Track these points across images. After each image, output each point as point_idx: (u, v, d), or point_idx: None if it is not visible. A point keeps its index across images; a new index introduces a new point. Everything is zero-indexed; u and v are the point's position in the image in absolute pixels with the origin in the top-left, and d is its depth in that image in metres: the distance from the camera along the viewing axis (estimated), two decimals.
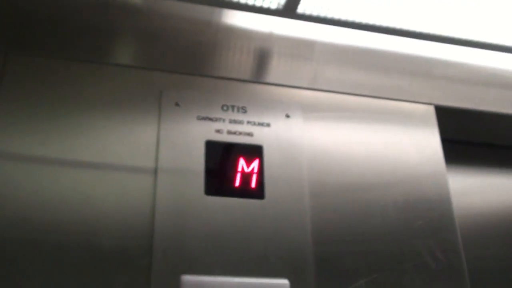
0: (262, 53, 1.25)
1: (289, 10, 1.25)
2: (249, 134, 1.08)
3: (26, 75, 1.01)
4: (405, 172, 1.16)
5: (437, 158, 1.21)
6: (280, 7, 1.24)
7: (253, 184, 1.03)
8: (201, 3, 1.24)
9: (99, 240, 0.90)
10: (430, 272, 1.07)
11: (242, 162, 1.04)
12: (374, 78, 1.29)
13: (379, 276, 1.03)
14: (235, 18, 1.28)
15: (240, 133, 1.07)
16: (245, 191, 1.02)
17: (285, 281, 0.95)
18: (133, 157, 0.99)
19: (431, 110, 1.28)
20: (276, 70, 1.22)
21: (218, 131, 1.06)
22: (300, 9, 1.25)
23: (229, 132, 1.07)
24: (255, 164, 1.05)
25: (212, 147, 1.04)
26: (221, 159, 1.04)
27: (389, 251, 1.06)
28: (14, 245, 0.86)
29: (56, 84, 1.02)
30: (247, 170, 1.04)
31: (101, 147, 0.98)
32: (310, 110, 1.16)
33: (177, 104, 1.07)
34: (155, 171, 0.98)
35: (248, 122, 1.09)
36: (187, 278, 0.90)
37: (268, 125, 1.10)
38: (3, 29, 1.06)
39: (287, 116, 1.13)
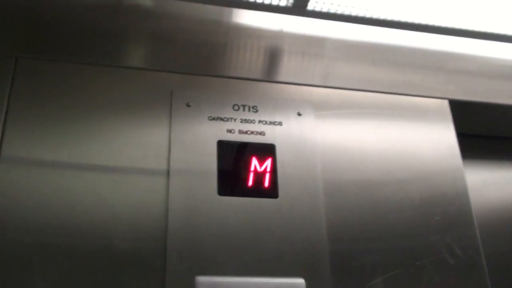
0: (272, 52, 1.24)
1: (299, 7, 1.24)
2: (261, 133, 1.07)
3: (37, 79, 1.01)
4: (421, 168, 1.15)
5: (453, 153, 1.20)
6: (290, 4, 1.23)
7: (266, 183, 1.02)
8: (211, 3, 1.23)
9: (113, 242, 0.90)
10: (449, 268, 1.05)
11: (254, 162, 1.03)
12: (386, 73, 1.28)
13: (397, 273, 1.01)
14: (245, 17, 1.27)
15: (252, 132, 1.07)
16: (258, 191, 1.01)
17: (301, 280, 0.94)
18: (145, 159, 0.99)
19: (445, 104, 1.26)
20: (287, 68, 1.21)
21: (229, 131, 1.06)
22: (310, 6, 1.24)
23: (241, 132, 1.06)
24: (268, 163, 1.04)
25: (224, 147, 1.03)
26: (233, 159, 1.03)
27: (406, 248, 1.05)
28: (29, 249, 0.86)
29: (67, 88, 1.02)
30: (260, 169, 1.03)
31: (113, 150, 0.98)
32: (321, 108, 1.15)
33: (188, 105, 1.06)
34: (168, 172, 0.98)
35: (260, 121, 1.09)
36: (202, 279, 0.90)
37: (280, 123, 1.10)
38: (13, 33, 1.07)
39: (299, 114, 1.12)
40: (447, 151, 1.19)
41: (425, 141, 1.19)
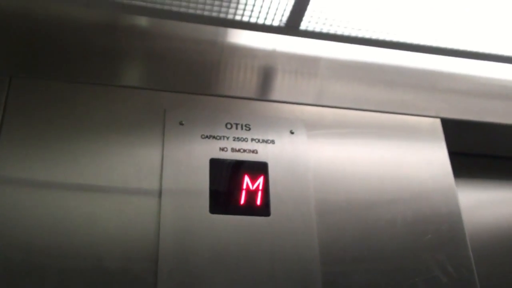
0: (265, 71, 1.25)
1: (292, 27, 1.26)
2: (254, 151, 1.08)
3: (31, 98, 1.02)
4: (413, 187, 1.15)
5: (445, 172, 1.20)
6: (283, 24, 1.25)
7: (258, 201, 1.02)
8: (205, 23, 1.24)
9: (104, 261, 0.90)
10: (442, 286, 1.05)
11: (247, 179, 1.03)
12: (379, 92, 1.29)
13: None
14: (239, 37, 1.29)
15: (245, 151, 1.07)
16: (250, 209, 1.01)
17: None
18: (138, 177, 0.99)
19: (437, 123, 1.27)
20: (280, 87, 1.22)
21: (222, 149, 1.06)
22: (303, 26, 1.26)
23: (234, 150, 1.07)
24: (260, 181, 1.04)
25: (216, 165, 1.04)
26: (226, 177, 1.03)
27: (399, 266, 1.05)
28: (20, 268, 0.86)
29: (61, 107, 1.02)
30: (252, 187, 1.03)
31: (106, 170, 0.98)
32: (314, 126, 1.16)
33: (181, 123, 1.07)
34: (160, 190, 0.98)
35: (253, 140, 1.09)
36: None
37: (272, 142, 1.10)
38: (7, 53, 1.07)
39: (291, 132, 1.12)
40: (439, 170, 1.20)
41: (418, 160, 1.19)
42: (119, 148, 1.01)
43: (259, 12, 1.22)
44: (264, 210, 1.02)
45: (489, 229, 1.40)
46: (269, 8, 1.21)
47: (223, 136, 1.08)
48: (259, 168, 1.06)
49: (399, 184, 1.14)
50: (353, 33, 1.29)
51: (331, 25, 1.26)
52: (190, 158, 1.03)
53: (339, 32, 1.29)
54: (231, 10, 1.21)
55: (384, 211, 1.10)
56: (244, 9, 1.21)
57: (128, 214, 0.95)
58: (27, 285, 0.85)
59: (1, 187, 0.91)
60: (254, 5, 1.20)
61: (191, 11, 1.20)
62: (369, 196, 1.11)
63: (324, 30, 1.28)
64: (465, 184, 1.40)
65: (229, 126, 1.10)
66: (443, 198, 1.16)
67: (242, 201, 1.01)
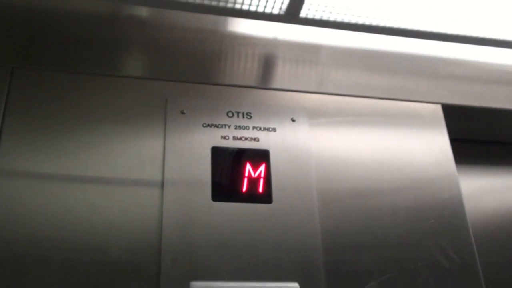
0: (266, 59, 1.25)
1: (292, 15, 1.25)
2: (255, 139, 1.08)
3: (33, 89, 1.02)
4: (415, 174, 1.15)
5: (447, 158, 1.20)
6: (282, 12, 1.25)
7: (260, 189, 1.03)
8: (206, 12, 1.24)
9: (108, 249, 0.90)
10: (444, 271, 1.05)
11: (248, 167, 1.04)
12: (380, 79, 1.29)
13: (391, 277, 1.02)
14: (239, 26, 1.28)
15: (246, 139, 1.07)
16: (252, 196, 1.02)
17: (295, 285, 0.94)
18: (140, 167, 0.99)
19: (438, 109, 1.27)
20: (281, 75, 1.22)
21: (224, 137, 1.07)
22: (303, 14, 1.25)
23: (235, 138, 1.07)
24: (262, 168, 1.05)
25: (218, 153, 1.04)
26: (227, 165, 1.04)
27: (401, 252, 1.05)
28: (23, 259, 0.87)
29: (63, 97, 1.03)
30: (254, 175, 1.04)
31: (108, 160, 0.98)
32: (315, 114, 1.16)
33: (182, 112, 1.07)
34: (162, 179, 0.99)
35: (254, 128, 1.10)
36: (196, 284, 0.90)
37: (274, 130, 1.10)
38: (9, 43, 1.08)
39: (293, 120, 1.13)
40: (440, 156, 1.20)
41: (419, 147, 1.19)
42: (121, 138, 1.01)
43: (259, 0, 1.21)
44: (266, 197, 1.02)
45: (491, 215, 1.41)
46: None
47: (225, 125, 1.08)
48: (261, 156, 1.06)
49: (401, 171, 1.15)
50: (353, 20, 1.29)
51: (331, 12, 1.26)
52: (192, 147, 1.04)
53: (339, 19, 1.29)
54: None
55: (386, 199, 1.10)
56: None
57: (130, 204, 0.95)
58: (31, 276, 0.86)
59: (4, 179, 0.92)
60: None
61: (191, 0, 1.20)
62: (371, 184, 1.11)
63: (324, 18, 1.28)
64: (466, 171, 1.40)
65: (230, 114, 1.10)
66: (445, 185, 1.16)
67: (244, 188, 1.02)
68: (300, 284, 0.95)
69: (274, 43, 1.28)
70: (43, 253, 0.88)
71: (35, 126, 0.98)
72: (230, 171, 1.03)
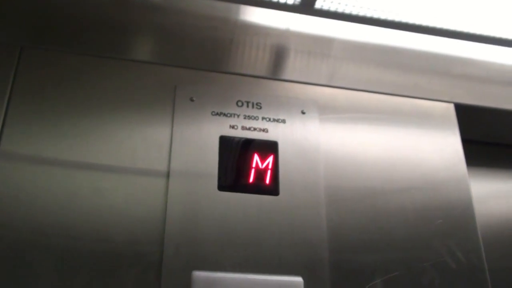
0: (278, 50, 1.23)
1: (307, 6, 1.23)
2: (264, 130, 1.06)
3: (40, 69, 1.01)
4: (425, 173, 1.14)
5: (458, 159, 1.18)
6: (297, 2, 1.23)
7: (267, 180, 1.01)
8: None
9: (110, 236, 0.89)
10: (450, 271, 1.04)
11: (256, 158, 1.02)
12: (393, 75, 1.27)
13: (397, 275, 1.00)
14: (252, 15, 1.27)
15: (255, 129, 1.06)
16: (259, 187, 1.00)
17: (299, 279, 0.93)
18: (147, 154, 0.98)
19: (451, 108, 1.25)
20: (292, 66, 1.21)
21: (232, 126, 1.05)
22: (318, 5, 1.23)
23: (244, 128, 1.05)
24: (269, 160, 1.03)
25: (226, 142, 1.03)
26: (235, 154, 1.02)
27: (407, 250, 1.04)
28: (26, 246, 0.86)
29: (70, 79, 1.01)
30: (261, 166, 1.02)
31: (114, 144, 0.97)
32: (326, 108, 1.14)
33: (191, 100, 1.06)
34: (169, 166, 0.97)
35: (263, 118, 1.08)
36: (198, 274, 0.89)
37: (283, 121, 1.09)
38: (19, 22, 1.06)
39: (303, 112, 1.11)
40: (452, 156, 1.18)
41: (430, 146, 1.18)
42: (128, 123, 1.00)
43: None
44: (273, 189, 1.01)
45: (501, 219, 1.39)
46: None
47: (234, 114, 1.07)
48: (269, 147, 1.04)
49: (410, 170, 1.13)
50: (369, 13, 1.27)
51: (346, 5, 1.24)
52: (200, 135, 1.02)
53: (355, 12, 1.26)
54: None
55: (394, 197, 1.09)
56: None
57: (135, 191, 0.94)
58: (32, 262, 0.85)
59: (7, 162, 0.91)
60: None
61: None
62: (379, 182, 1.09)
63: (340, 10, 1.26)
64: (477, 173, 1.38)
65: (240, 104, 1.08)
66: (455, 186, 1.14)
67: (251, 179, 1.00)
68: (304, 279, 0.93)
69: (287, 34, 1.26)
70: (45, 239, 0.87)
71: (41, 108, 0.97)
72: (237, 161, 1.01)
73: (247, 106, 1.09)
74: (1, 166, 0.90)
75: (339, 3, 1.23)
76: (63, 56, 1.04)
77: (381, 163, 1.12)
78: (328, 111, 1.14)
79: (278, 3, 1.23)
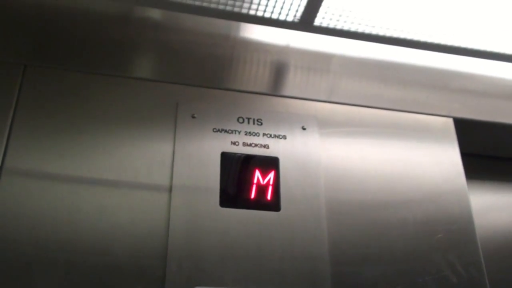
0: (278, 66, 1.25)
1: (306, 23, 1.25)
2: (265, 146, 1.07)
3: (44, 87, 1.02)
4: (424, 187, 1.14)
5: (457, 173, 1.19)
6: (297, 20, 1.24)
7: (269, 196, 1.02)
8: (219, 17, 1.24)
9: (114, 252, 0.90)
10: (451, 286, 1.04)
11: (257, 174, 1.03)
12: (392, 90, 1.28)
13: None
14: (252, 32, 1.28)
15: (256, 145, 1.07)
16: (260, 203, 1.01)
17: None
18: (149, 170, 0.99)
19: (450, 122, 1.26)
20: (293, 83, 1.22)
21: (234, 143, 1.06)
22: (317, 22, 1.25)
23: (245, 144, 1.06)
24: (271, 176, 1.04)
25: (227, 158, 1.04)
26: (236, 171, 1.03)
27: (408, 265, 1.04)
28: (30, 261, 0.86)
29: (73, 97, 1.03)
30: (262, 182, 1.03)
31: (116, 160, 0.98)
32: (326, 123, 1.15)
33: (193, 116, 1.07)
34: (170, 183, 0.98)
35: (264, 134, 1.09)
36: None
37: (284, 137, 1.10)
38: (22, 42, 1.08)
39: (303, 128, 1.12)
40: (451, 170, 1.19)
41: (429, 160, 1.18)
42: (131, 140, 1.01)
43: (274, 7, 1.21)
44: (275, 205, 1.01)
45: (501, 232, 1.39)
46: (283, 3, 1.20)
47: (235, 130, 1.08)
48: (270, 163, 1.05)
49: (410, 184, 1.14)
50: (367, 30, 1.29)
51: (345, 22, 1.26)
52: (202, 151, 1.03)
53: (353, 28, 1.28)
54: (246, 5, 1.21)
55: (395, 211, 1.09)
56: (258, 4, 1.20)
57: (138, 207, 0.95)
58: (36, 276, 0.85)
59: (12, 178, 0.92)
60: (268, 0, 1.19)
61: (205, 4, 1.20)
62: (380, 196, 1.10)
63: (338, 27, 1.27)
64: (477, 186, 1.38)
65: (241, 120, 1.09)
66: (455, 199, 1.15)
67: (253, 195, 1.01)
68: None
69: (286, 51, 1.27)
70: (48, 254, 0.87)
71: (45, 125, 0.98)
72: (239, 177, 1.02)
73: (248, 122, 1.10)
74: (6, 182, 0.91)
75: (338, 20, 1.25)
76: (66, 73, 1.05)
77: (381, 177, 1.13)
78: (328, 126, 1.15)
79: (278, 20, 1.25)
